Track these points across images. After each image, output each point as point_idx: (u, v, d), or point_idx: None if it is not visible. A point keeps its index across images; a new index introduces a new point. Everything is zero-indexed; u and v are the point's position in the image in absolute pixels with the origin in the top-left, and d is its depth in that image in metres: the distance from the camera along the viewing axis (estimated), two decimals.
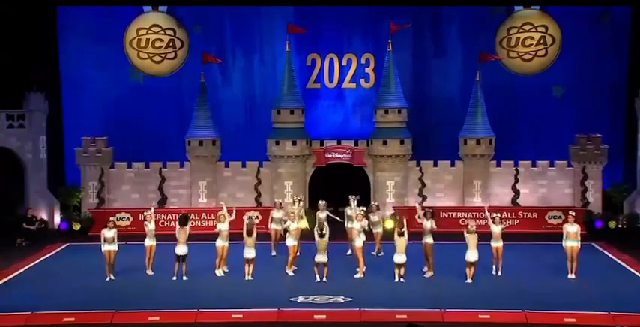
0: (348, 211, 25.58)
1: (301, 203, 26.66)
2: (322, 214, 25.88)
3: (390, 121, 31.85)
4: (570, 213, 23.71)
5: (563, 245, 23.10)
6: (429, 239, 22.99)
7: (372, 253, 25.41)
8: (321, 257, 22.50)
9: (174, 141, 33.14)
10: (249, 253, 22.93)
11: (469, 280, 22.34)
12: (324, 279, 22.42)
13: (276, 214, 26.53)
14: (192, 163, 31.97)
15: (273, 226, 26.42)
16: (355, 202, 25.32)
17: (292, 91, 32.01)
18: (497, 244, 22.92)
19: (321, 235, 22.50)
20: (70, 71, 34.56)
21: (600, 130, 32.73)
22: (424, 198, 32.01)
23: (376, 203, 27.40)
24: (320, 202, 26.46)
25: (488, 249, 23.02)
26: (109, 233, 22.96)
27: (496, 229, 22.88)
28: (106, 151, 31.88)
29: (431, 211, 23.91)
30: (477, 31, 34.66)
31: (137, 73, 34.79)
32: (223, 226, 23.28)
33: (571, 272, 23.01)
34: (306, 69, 34.78)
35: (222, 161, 32.31)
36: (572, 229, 23.06)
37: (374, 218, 25.93)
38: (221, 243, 23.31)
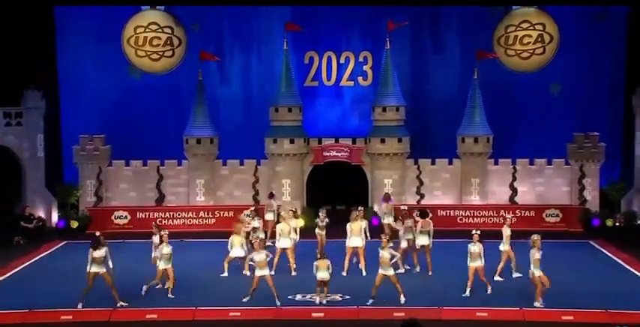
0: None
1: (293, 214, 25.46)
2: (321, 224, 25.23)
3: (387, 119, 31.87)
4: (507, 215, 23.74)
5: (502, 249, 22.79)
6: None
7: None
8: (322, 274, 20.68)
9: (172, 139, 33.14)
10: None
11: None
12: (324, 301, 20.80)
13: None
14: (190, 161, 31.96)
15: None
16: (360, 212, 24.39)
17: (290, 89, 32.01)
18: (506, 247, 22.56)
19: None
20: (67, 69, 34.57)
21: (598, 128, 32.76)
22: (422, 196, 32.05)
23: (388, 192, 29.16)
24: (320, 213, 25.63)
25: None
26: (156, 239, 22.01)
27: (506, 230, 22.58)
28: (104, 149, 31.86)
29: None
30: (474, 29, 34.68)
31: (135, 71, 34.78)
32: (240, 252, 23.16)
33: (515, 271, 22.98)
34: (304, 67, 34.80)
35: (220, 159, 32.31)
36: (508, 231, 22.88)
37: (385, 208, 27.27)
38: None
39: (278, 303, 20.24)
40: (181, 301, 20.65)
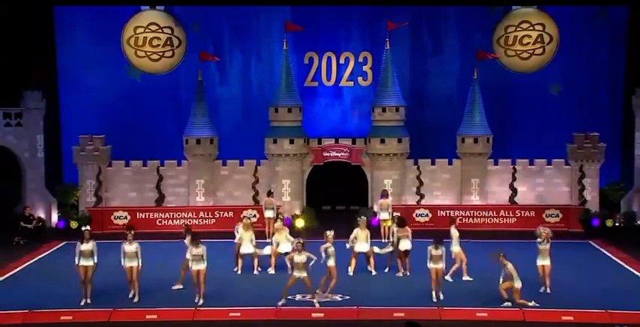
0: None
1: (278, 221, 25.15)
2: (300, 257, 20.84)
3: (387, 120, 31.86)
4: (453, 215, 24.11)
5: (453, 250, 22.65)
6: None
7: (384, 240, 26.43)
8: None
9: (172, 139, 33.16)
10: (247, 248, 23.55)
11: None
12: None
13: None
14: (189, 161, 31.95)
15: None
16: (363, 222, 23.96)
17: (290, 90, 31.99)
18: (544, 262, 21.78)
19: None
20: (67, 70, 34.60)
21: (598, 128, 32.74)
22: (422, 196, 32.04)
23: (386, 189, 29.35)
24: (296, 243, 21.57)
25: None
26: (129, 247, 21.05)
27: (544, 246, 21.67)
28: (104, 150, 31.84)
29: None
30: (474, 29, 34.74)
31: (134, 72, 34.80)
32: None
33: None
34: (303, 67, 34.82)
35: (220, 159, 32.29)
36: (457, 233, 22.82)
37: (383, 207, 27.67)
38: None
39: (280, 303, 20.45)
40: (181, 302, 20.64)
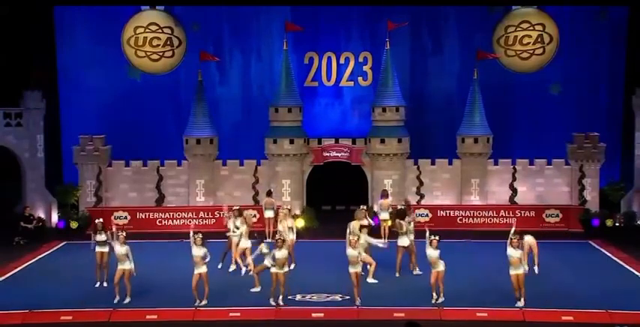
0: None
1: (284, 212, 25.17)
2: (281, 252, 21.04)
3: (387, 120, 31.86)
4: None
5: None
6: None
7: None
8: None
9: (172, 139, 33.16)
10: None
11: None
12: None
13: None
14: (189, 161, 31.95)
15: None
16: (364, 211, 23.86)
17: (290, 90, 31.98)
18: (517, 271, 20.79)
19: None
20: (67, 70, 34.60)
21: (598, 128, 32.74)
22: (422, 196, 32.05)
23: (386, 189, 29.21)
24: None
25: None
26: (119, 249, 21.10)
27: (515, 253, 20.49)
28: (104, 150, 31.84)
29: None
30: (474, 29, 34.73)
31: (134, 72, 34.81)
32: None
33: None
34: (304, 67, 34.81)
35: (220, 159, 32.30)
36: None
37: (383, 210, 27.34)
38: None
39: (274, 303, 20.41)
40: (181, 302, 20.64)
